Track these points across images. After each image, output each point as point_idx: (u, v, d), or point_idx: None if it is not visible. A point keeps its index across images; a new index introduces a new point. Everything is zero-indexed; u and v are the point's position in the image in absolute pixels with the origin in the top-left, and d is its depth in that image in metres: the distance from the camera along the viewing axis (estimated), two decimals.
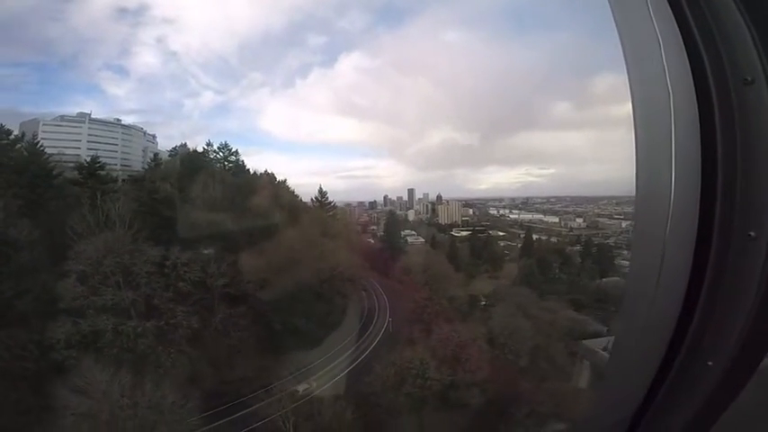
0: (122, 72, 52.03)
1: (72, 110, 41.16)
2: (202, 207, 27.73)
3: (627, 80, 1.59)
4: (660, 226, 1.54)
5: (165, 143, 42.77)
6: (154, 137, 44.69)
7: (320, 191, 39.83)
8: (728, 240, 1.52)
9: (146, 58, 52.62)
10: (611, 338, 44.89)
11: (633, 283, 1.74)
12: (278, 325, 26.05)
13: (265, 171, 42.62)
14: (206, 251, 24.72)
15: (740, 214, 1.50)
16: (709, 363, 1.58)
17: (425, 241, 64.51)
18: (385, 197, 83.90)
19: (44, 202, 22.29)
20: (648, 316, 1.63)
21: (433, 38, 61.20)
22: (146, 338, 20.00)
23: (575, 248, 62.79)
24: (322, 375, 24.55)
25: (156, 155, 36.18)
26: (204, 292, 23.96)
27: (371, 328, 36.38)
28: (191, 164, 35.13)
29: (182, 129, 64.06)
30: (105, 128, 39.34)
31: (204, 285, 23.79)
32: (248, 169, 40.71)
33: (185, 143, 39.94)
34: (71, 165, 31.34)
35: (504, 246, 66.76)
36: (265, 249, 28.15)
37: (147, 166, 37.20)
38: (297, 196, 41.11)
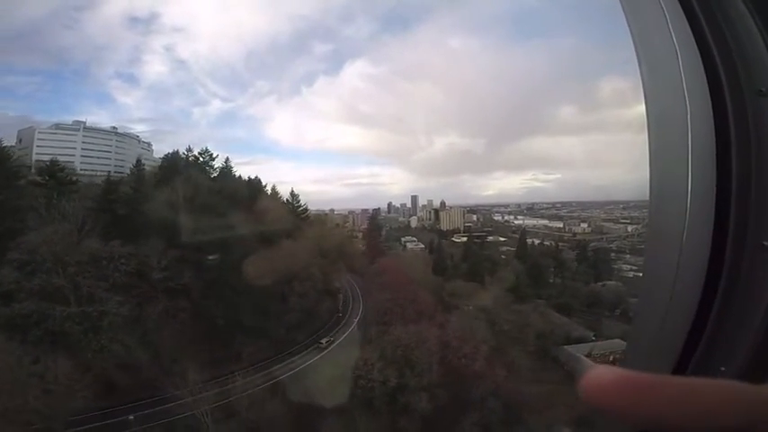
0: (132, 80, 54.15)
1: (83, 118, 43.27)
2: (161, 207, 28.85)
3: (641, 89, 1.60)
4: (676, 234, 1.54)
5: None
6: (149, 145, 46.99)
7: (292, 194, 40.28)
8: (742, 249, 1.51)
9: (155, 67, 54.84)
10: (596, 344, 42.21)
11: (648, 288, 1.74)
12: (221, 320, 26.40)
13: (255, 177, 43.80)
14: (154, 246, 25.61)
15: (754, 224, 1.49)
16: (723, 368, 1.55)
17: (424, 247, 63.97)
18: (389, 204, 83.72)
19: (5, 200, 24.02)
20: (663, 321, 1.63)
21: (439, 44, 60.91)
22: (72, 323, 20.90)
23: (572, 253, 59.85)
24: (252, 381, 24.17)
25: (138, 161, 37.98)
26: (148, 284, 24.82)
27: (337, 329, 35.96)
28: (167, 169, 36.78)
29: (190, 137, 65.75)
30: (100, 136, 41.58)
31: (145, 278, 24.66)
32: (227, 173, 42.19)
33: (177, 150, 41.77)
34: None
35: (499, 251, 64.83)
36: (219, 248, 28.75)
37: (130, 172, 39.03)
38: (276, 201, 41.81)
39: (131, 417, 20.72)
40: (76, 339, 21.12)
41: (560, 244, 64.02)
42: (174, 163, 37.79)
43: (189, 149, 39.90)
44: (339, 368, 27.70)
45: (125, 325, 22.54)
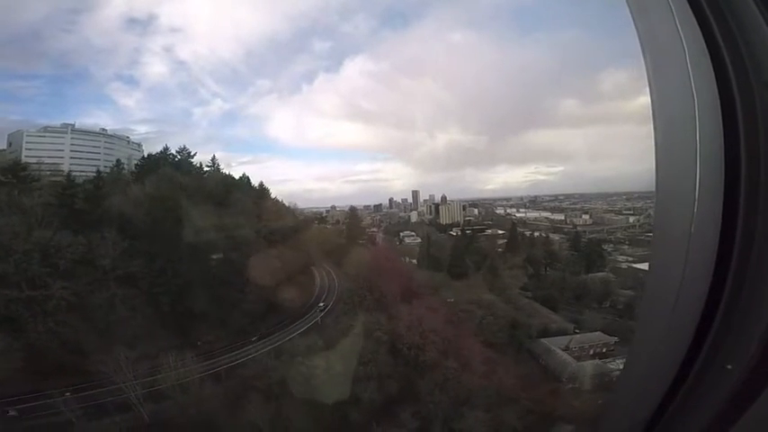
0: (133, 82, 54.06)
1: (85, 121, 44.25)
2: (121, 202, 30.45)
3: (646, 82, 1.61)
4: (684, 228, 1.53)
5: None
6: (139, 145, 48.80)
7: (261, 187, 41.23)
8: (751, 243, 1.50)
9: (155, 68, 56.04)
10: (574, 337, 40.30)
11: (654, 283, 1.74)
12: (166, 306, 27.44)
13: (243, 174, 44.89)
14: (106, 237, 27.05)
15: (763, 216, 1.49)
16: (729, 366, 1.57)
17: (421, 241, 63.82)
18: (390, 200, 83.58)
19: None
20: (670, 318, 1.63)
21: (439, 39, 59.84)
22: (17, 306, 22.43)
23: (566, 244, 57.67)
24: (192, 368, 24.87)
25: (118, 160, 40.00)
26: (99, 272, 26.22)
27: (303, 318, 36.17)
28: (141, 167, 38.73)
29: (192, 137, 66.85)
30: (88, 137, 43.59)
31: (95, 265, 26.06)
32: (211, 171, 43.69)
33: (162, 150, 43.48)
34: (48, 173, 35.81)
35: (495, 243, 63.26)
36: (171, 237, 29.86)
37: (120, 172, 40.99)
38: (247, 196, 42.68)
39: (68, 394, 22.01)
40: (24, 321, 22.68)
41: (557, 236, 62.05)
42: (150, 162, 39.64)
43: (166, 148, 41.79)
44: (282, 354, 28.10)
45: (71, 308, 23.93)
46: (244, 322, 31.97)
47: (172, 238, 29.91)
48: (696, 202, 1.45)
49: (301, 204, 59.27)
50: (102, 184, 30.49)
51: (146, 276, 27.20)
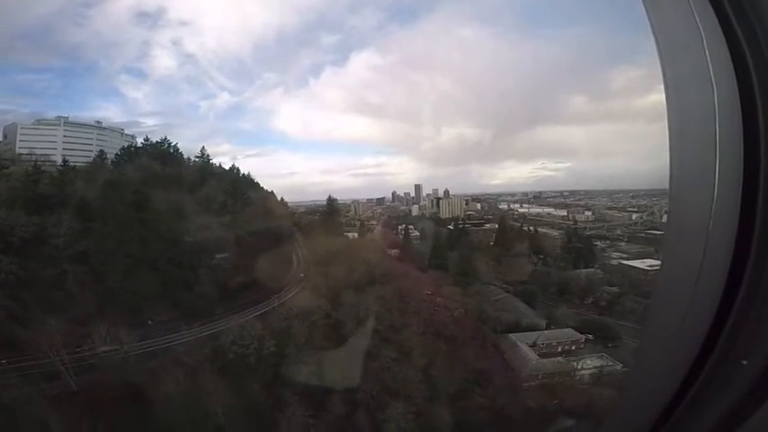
0: (142, 75, 55.22)
1: (93, 114, 45.80)
2: (83, 187, 32.44)
3: (661, 77, 1.58)
4: (702, 222, 1.50)
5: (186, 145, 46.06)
6: (133, 137, 51.32)
7: (247, 177, 42.89)
8: None
9: (164, 61, 57.47)
10: (543, 333, 38.74)
11: (669, 278, 1.73)
12: (116, 284, 28.86)
13: (231, 166, 46.49)
14: (62, 218, 28.94)
15: None
16: (744, 362, 1.57)
17: (419, 234, 63.70)
18: (393, 193, 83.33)
19: None
20: (685, 312, 1.61)
21: (447, 34, 58.95)
22: None
23: (559, 240, 55.17)
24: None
25: (101, 151, 42.44)
26: (51, 250, 28.06)
27: (260, 304, 36.56)
28: (120, 156, 40.99)
29: (199, 130, 68.06)
30: (81, 130, 46.24)
31: (47, 244, 27.88)
32: (190, 161, 45.62)
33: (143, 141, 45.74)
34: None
35: (491, 238, 61.61)
36: (125, 220, 31.40)
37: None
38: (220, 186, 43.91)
39: (4, 361, 23.74)
40: None
41: (554, 231, 59.67)
42: (130, 153, 41.86)
43: (146, 139, 43.95)
44: (223, 335, 28.84)
45: (20, 283, 25.78)
46: (200, 304, 32.98)
47: (130, 221, 31.40)
48: (714, 198, 1.39)
49: (305, 197, 60.65)
50: (67, 171, 32.56)
51: (98, 255, 28.77)
